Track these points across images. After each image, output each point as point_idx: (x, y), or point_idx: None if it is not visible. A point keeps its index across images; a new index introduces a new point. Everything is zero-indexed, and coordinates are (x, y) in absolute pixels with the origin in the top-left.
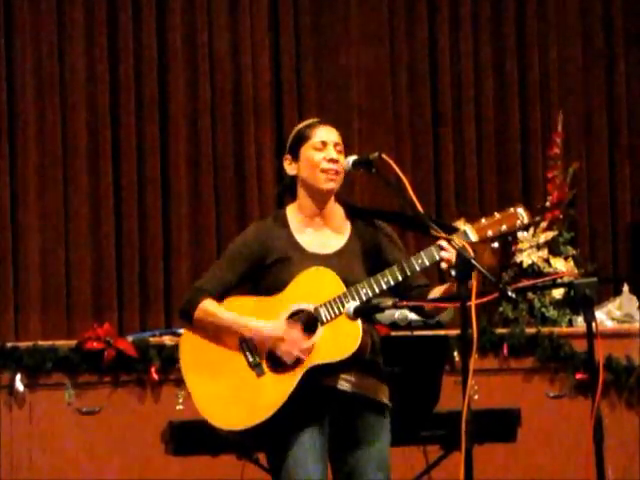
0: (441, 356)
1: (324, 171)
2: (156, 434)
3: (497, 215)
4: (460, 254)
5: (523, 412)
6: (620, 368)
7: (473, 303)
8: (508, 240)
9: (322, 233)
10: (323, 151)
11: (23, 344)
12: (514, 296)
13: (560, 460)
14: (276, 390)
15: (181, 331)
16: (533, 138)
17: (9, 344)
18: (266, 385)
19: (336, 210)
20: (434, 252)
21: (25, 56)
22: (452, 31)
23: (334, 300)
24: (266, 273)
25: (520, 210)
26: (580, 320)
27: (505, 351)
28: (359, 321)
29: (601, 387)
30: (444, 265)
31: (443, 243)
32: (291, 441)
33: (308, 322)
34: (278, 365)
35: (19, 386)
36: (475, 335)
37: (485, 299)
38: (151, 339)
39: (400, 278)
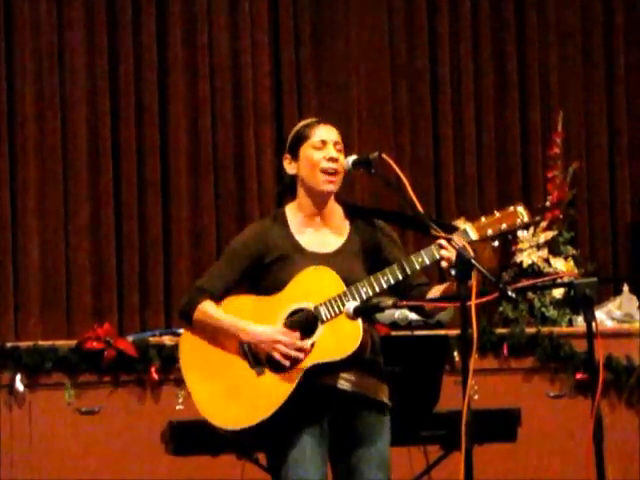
0: (441, 356)
1: (324, 171)
2: (156, 434)
3: (497, 214)
4: (460, 254)
5: (523, 412)
6: (620, 368)
7: (473, 303)
8: (508, 239)
9: (321, 232)
10: (323, 150)
11: (23, 344)
12: (514, 296)
13: (560, 460)
14: (276, 389)
15: (181, 331)
16: (533, 138)
17: (9, 344)
18: (266, 384)
19: (335, 210)
20: (434, 251)
21: (25, 57)
22: (452, 31)
23: (334, 299)
24: (265, 272)
25: (520, 209)
26: (580, 320)
27: (505, 351)
28: (360, 320)
29: (601, 387)
30: (444, 264)
31: (443, 242)
32: (291, 441)
33: (308, 321)
34: (278, 364)
35: (19, 386)
36: (475, 335)
37: (485, 299)
38: (151, 339)
39: (400, 277)
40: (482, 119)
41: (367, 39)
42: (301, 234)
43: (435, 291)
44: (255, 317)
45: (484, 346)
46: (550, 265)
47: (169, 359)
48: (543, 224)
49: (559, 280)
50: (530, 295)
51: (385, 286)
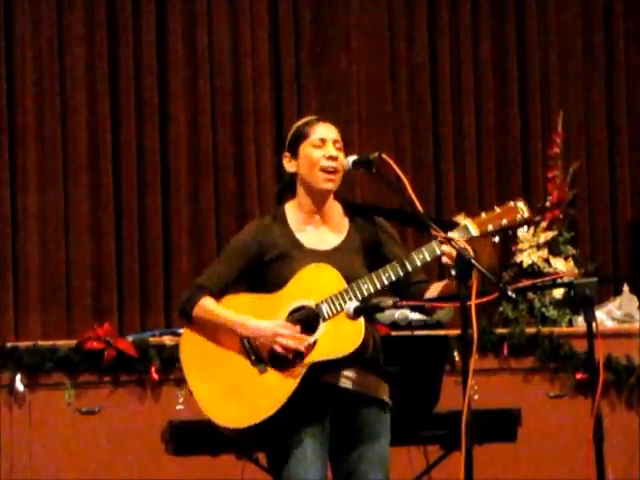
0: (441, 356)
1: (323, 169)
2: (156, 434)
3: (497, 209)
4: (460, 254)
5: (523, 412)
6: (620, 368)
7: (473, 303)
8: (509, 234)
9: (321, 230)
10: (322, 149)
11: (23, 344)
12: (514, 296)
13: (560, 460)
14: (279, 387)
15: (181, 331)
16: (533, 138)
17: (9, 344)
18: (268, 382)
19: (335, 207)
20: (435, 246)
21: (25, 56)
22: (452, 31)
23: (335, 296)
24: (265, 270)
25: (520, 204)
26: (580, 320)
27: (505, 351)
28: (362, 317)
29: (601, 387)
30: (445, 259)
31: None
32: (292, 441)
33: (310, 319)
34: (281, 362)
35: (19, 386)
36: (475, 335)
37: (485, 299)
38: (151, 339)
39: (401, 273)
40: (482, 119)
41: (367, 39)
42: (301, 232)
43: (434, 289)
44: (256, 315)
45: (484, 346)
46: (550, 265)
47: (169, 359)
48: (543, 224)
49: (559, 280)
50: (530, 295)
51: (386, 283)
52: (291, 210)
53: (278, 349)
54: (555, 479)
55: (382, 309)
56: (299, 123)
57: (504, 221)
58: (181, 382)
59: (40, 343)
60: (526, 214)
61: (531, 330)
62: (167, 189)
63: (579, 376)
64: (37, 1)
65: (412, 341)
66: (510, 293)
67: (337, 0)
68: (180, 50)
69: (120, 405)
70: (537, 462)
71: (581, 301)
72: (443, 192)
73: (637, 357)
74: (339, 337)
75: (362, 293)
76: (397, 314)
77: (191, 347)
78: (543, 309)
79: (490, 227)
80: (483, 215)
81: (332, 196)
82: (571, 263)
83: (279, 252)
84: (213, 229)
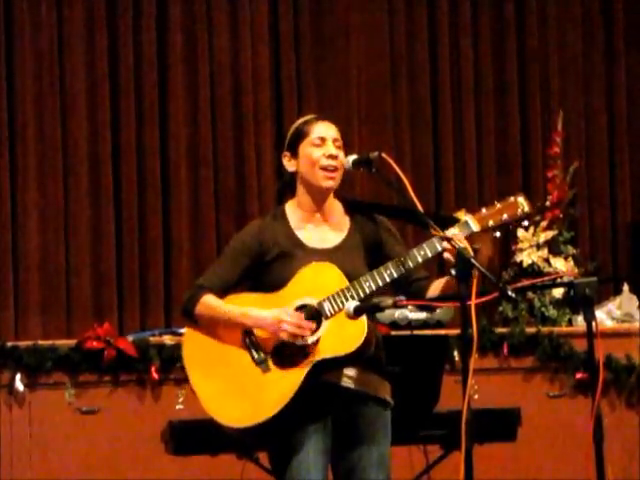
0: (441, 355)
1: (323, 168)
2: (156, 434)
3: (498, 204)
4: (460, 253)
5: (523, 412)
6: (620, 367)
7: (473, 303)
8: (509, 233)
9: (322, 229)
10: (322, 147)
11: (23, 343)
12: (514, 296)
13: (560, 460)
14: (282, 386)
15: (181, 330)
16: (533, 137)
17: (9, 343)
18: (272, 381)
19: (335, 206)
20: (436, 243)
21: (25, 57)
22: (452, 31)
23: (337, 294)
24: (267, 270)
25: (520, 199)
26: (580, 319)
27: (505, 350)
28: (364, 316)
29: (601, 386)
30: (447, 255)
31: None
32: (295, 440)
33: (312, 317)
34: (284, 361)
35: (19, 386)
36: (475, 335)
37: (485, 299)
38: (151, 339)
39: (403, 270)
40: (482, 119)
41: (367, 39)
42: (301, 230)
43: (436, 285)
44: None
45: (484, 346)
46: (550, 265)
47: (169, 359)
48: (543, 224)
49: (559, 280)
50: (530, 295)
51: (388, 280)
52: (291, 209)
53: (283, 336)
54: (555, 479)
55: (382, 309)
56: (298, 122)
57: (505, 216)
58: (181, 382)
59: (40, 343)
60: (526, 209)
61: (531, 330)
62: (167, 189)
63: (579, 376)
64: (37, 1)
65: (412, 341)
66: (510, 293)
67: (337, 0)
68: (180, 50)
69: (120, 405)
70: (537, 462)
71: (581, 301)
72: (443, 191)
73: (637, 356)
74: (342, 335)
75: (364, 291)
76: (397, 314)
77: (193, 347)
78: (543, 309)
79: (491, 222)
80: (483, 210)
81: (332, 194)
82: (571, 263)
83: (280, 251)
84: (213, 229)
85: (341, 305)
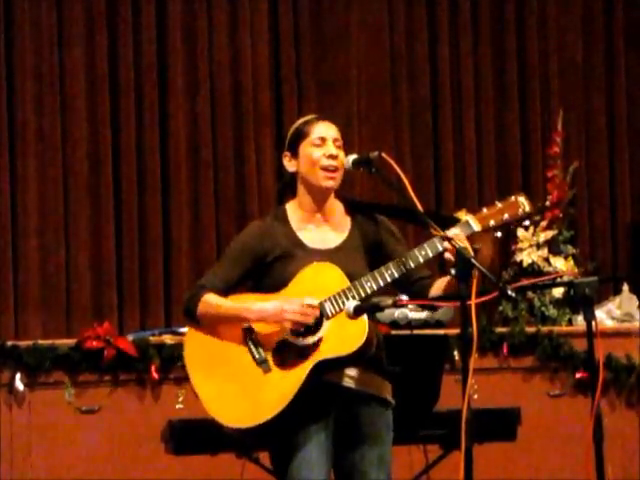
0: (441, 355)
1: (324, 168)
2: (156, 433)
3: (498, 204)
4: (460, 253)
5: (523, 411)
6: (620, 367)
7: (473, 302)
8: (511, 228)
9: (323, 229)
10: (322, 147)
11: (23, 343)
12: (514, 295)
13: (560, 459)
14: (283, 386)
15: (181, 330)
16: (533, 137)
17: (9, 343)
18: (273, 381)
19: (336, 206)
20: (437, 243)
21: (25, 56)
22: (452, 31)
23: (339, 294)
24: (268, 270)
25: (521, 199)
26: (580, 319)
27: (505, 350)
28: (365, 315)
29: (601, 386)
30: (448, 255)
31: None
32: (296, 440)
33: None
34: (285, 361)
35: (19, 385)
36: (475, 334)
37: (485, 298)
38: (151, 338)
39: (404, 270)
40: (482, 119)
41: (367, 39)
42: (302, 231)
43: (438, 284)
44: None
45: (484, 345)
46: (550, 264)
47: (169, 358)
48: (543, 223)
49: (559, 279)
50: (530, 294)
51: (389, 280)
52: (292, 209)
53: (287, 325)
54: (555, 478)
55: (382, 308)
56: (299, 122)
57: (506, 216)
58: (181, 381)
59: (40, 342)
60: (527, 208)
61: (531, 329)
62: (167, 189)
63: (579, 375)
64: (37, 1)
65: (412, 340)
66: (510, 292)
67: (337, 0)
68: (180, 50)
69: (120, 404)
70: (537, 461)
71: (581, 300)
72: (443, 191)
73: (637, 356)
74: (343, 335)
75: (365, 291)
76: (397, 313)
77: (195, 347)
78: (543, 308)
79: (492, 222)
80: (484, 210)
81: (333, 195)
82: (571, 262)
83: (281, 252)
84: (213, 229)
85: (342, 305)
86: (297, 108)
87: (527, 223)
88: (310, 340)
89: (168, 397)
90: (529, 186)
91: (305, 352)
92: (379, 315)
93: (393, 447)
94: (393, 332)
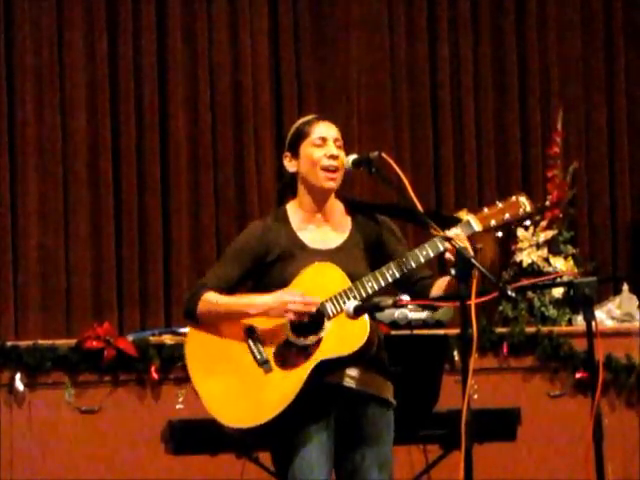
0: (441, 355)
1: (324, 168)
2: (156, 433)
3: (499, 204)
4: (460, 253)
5: (523, 411)
6: (620, 367)
7: (473, 302)
8: (511, 228)
9: (323, 229)
10: (323, 147)
11: (23, 343)
12: (514, 295)
13: (560, 459)
14: (285, 387)
15: (181, 330)
16: (533, 137)
17: (9, 343)
18: (274, 382)
19: (337, 206)
20: (438, 243)
21: (25, 56)
22: (452, 30)
23: (340, 294)
24: (268, 270)
25: (522, 198)
26: (580, 319)
27: (505, 350)
28: (366, 315)
29: (601, 386)
30: (449, 255)
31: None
32: (298, 440)
33: (314, 317)
34: (286, 361)
35: (19, 385)
36: (475, 334)
37: (485, 298)
38: (151, 338)
39: (405, 270)
40: (482, 119)
41: (367, 39)
42: (303, 231)
43: (439, 284)
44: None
45: (484, 345)
46: (550, 264)
47: (169, 358)
48: (543, 223)
49: (559, 279)
50: (530, 294)
51: (390, 280)
52: (292, 210)
53: (290, 317)
54: (555, 478)
55: (382, 308)
56: (299, 122)
57: (507, 215)
58: (181, 381)
59: (40, 342)
60: (528, 208)
61: (531, 329)
62: (167, 189)
63: (579, 375)
64: (37, 1)
65: (412, 340)
66: (510, 292)
67: (337, 0)
68: (180, 50)
69: (120, 404)
70: (537, 461)
71: (581, 300)
72: (443, 191)
73: (637, 356)
74: (344, 335)
75: (366, 291)
76: (397, 313)
77: (196, 347)
78: (543, 308)
79: (493, 222)
80: (485, 210)
81: (333, 195)
82: (571, 262)
83: (282, 252)
84: (213, 229)
85: (343, 305)
86: (297, 108)
87: (527, 223)
88: (311, 340)
89: (168, 397)
90: (529, 186)
91: (306, 352)
92: (379, 315)
93: (393, 447)
94: (393, 332)
